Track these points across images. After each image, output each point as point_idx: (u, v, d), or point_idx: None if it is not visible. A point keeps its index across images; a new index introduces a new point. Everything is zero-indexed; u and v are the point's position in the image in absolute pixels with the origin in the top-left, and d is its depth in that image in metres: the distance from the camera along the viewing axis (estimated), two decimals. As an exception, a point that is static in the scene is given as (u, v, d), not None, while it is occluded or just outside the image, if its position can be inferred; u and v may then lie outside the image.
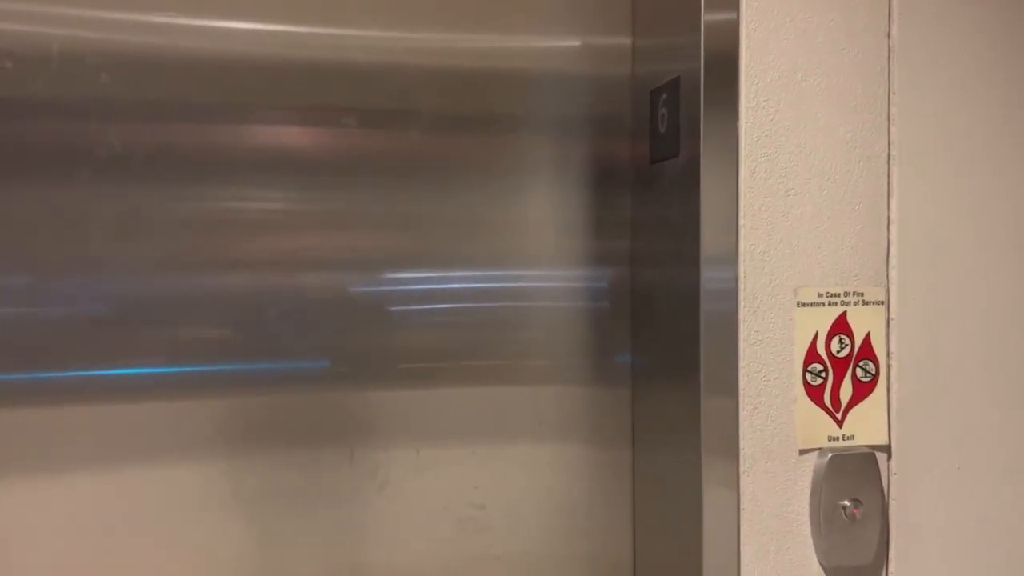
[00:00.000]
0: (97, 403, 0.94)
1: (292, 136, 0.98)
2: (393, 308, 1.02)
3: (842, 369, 0.90)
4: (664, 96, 0.94)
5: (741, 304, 0.88)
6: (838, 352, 0.90)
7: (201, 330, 0.97)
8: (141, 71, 0.93)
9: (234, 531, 0.98)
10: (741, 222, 0.88)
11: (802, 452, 0.90)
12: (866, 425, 0.91)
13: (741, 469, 0.88)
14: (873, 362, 0.91)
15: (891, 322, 0.92)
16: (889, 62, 0.91)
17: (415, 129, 1.01)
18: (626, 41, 1.05)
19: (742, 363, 0.88)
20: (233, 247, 0.97)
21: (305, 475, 0.99)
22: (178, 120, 0.95)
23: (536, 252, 1.05)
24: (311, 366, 1.00)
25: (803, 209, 0.89)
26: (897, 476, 0.92)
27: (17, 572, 0.92)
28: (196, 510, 0.96)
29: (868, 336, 0.91)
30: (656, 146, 0.97)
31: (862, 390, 0.91)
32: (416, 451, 1.02)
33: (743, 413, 0.88)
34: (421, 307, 1.03)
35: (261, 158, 0.97)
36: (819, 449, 0.90)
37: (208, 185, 0.96)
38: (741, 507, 0.88)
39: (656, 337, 0.99)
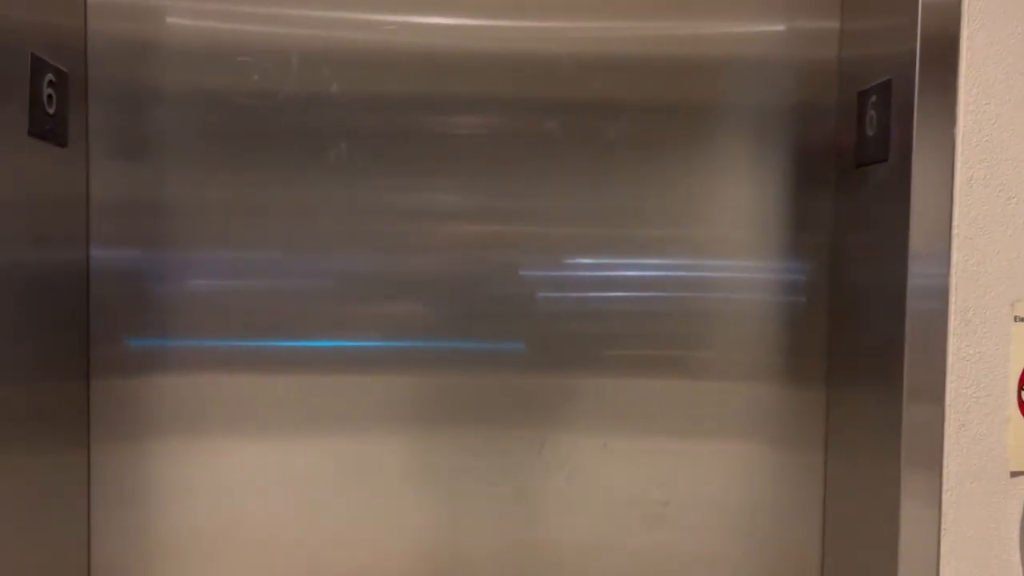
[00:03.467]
0: (314, 373, 1.02)
1: (494, 127, 1.02)
2: (589, 294, 1.04)
3: (1064, 390, 0.85)
4: (873, 98, 0.91)
5: (952, 317, 0.84)
6: (1060, 371, 0.85)
7: (409, 308, 1.03)
8: (358, 68, 1.00)
9: (424, 503, 1.04)
10: (955, 232, 0.84)
11: (1014, 475, 0.85)
12: (1089, 451, 0.85)
13: (944, 487, 0.85)
14: (1100, 384, 0.85)
15: (1123, 342, 0.85)
16: None
17: (613, 118, 1.03)
18: (834, 25, 1.01)
19: (950, 378, 0.84)
20: (441, 232, 1.03)
21: (496, 457, 1.04)
22: (393, 113, 1.01)
23: (732, 244, 1.04)
24: (508, 348, 1.04)
25: (1026, 219, 0.84)
26: (1124, 507, 0.85)
27: (231, 522, 1.02)
28: (392, 479, 1.03)
29: (1096, 356, 0.85)
30: (863, 148, 0.94)
31: (1086, 413, 0.85)
32: (603, 444, 1.05)
33: (949, 430, 0.85)
34: (615, 295, 1.04)
35: (467, 148, 1.02)
36: (1034, 473, 0.85)
37: (418, 174, 1.02)
38: (942, 528, 0.85)
39: (856, 348, 0.97)
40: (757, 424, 1.05)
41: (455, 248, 1.03)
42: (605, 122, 1.03)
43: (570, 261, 1.04)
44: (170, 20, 0.98)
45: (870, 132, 0.92)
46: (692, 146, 1.03)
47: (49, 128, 0.88)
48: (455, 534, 1.04)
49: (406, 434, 1.03)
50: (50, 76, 0.88)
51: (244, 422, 1.01)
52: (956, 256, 0.84)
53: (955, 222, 0.84)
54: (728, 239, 1.04)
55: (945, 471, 0.85)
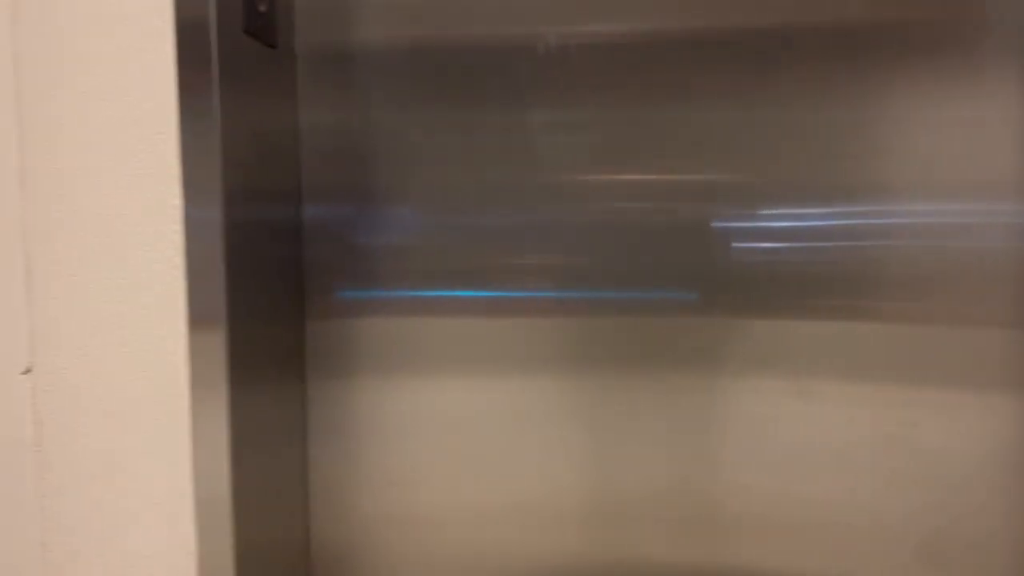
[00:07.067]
0: (492, 317, 1.01)
1: (686, 61, 0.95)
2: (777, 245, 0.97)
3: None
4: None
5: None
6: None
7: (581, 257, 0.99)
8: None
9: (600, 443, 1.01)
10: None
11: None
12: None
13: None
14: None
15: None
16: None
17: (840, 43, 0.93)
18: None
19: None
20: (610, 176, 0.98)
21: (670, 399, 1.00)
22: (586, 53, 0.96)
23: (975, 182, 0.93)
24: (681, 296, 0.99)
25: None
26: None
27: (425, 453, 1.03)
28: (562, 421, 1.01)
29: None
30: None
31: None
32: (797, 389, 0.98)
33: None
34: (824, 245, 0.96)
35: (648, 84, 0.96)
36: None
37: (594, 111, 0.96)
38: None
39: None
40: (1001, 372, 0.94)
41: (630, 193, 0.98)
42: (829, 47, 0.93)
43: (767, 211, 0.97)
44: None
45: None
46: (932, 72, 0.92)
47: (261, 26, 0.85)
48: (629, 475, 1.02)
49: (576, 377, 1.00)
50: (260, -30, 0.85)
51: (438, 363, 1.02)
52: None
53: None
54: (966, 178, 0.93)
55: None
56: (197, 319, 0.84)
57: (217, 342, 0.83)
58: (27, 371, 0.83)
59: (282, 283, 0.97)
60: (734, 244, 0.97)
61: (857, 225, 0.95)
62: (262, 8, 0.85)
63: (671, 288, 0.99)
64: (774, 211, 0.96)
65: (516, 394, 1.01)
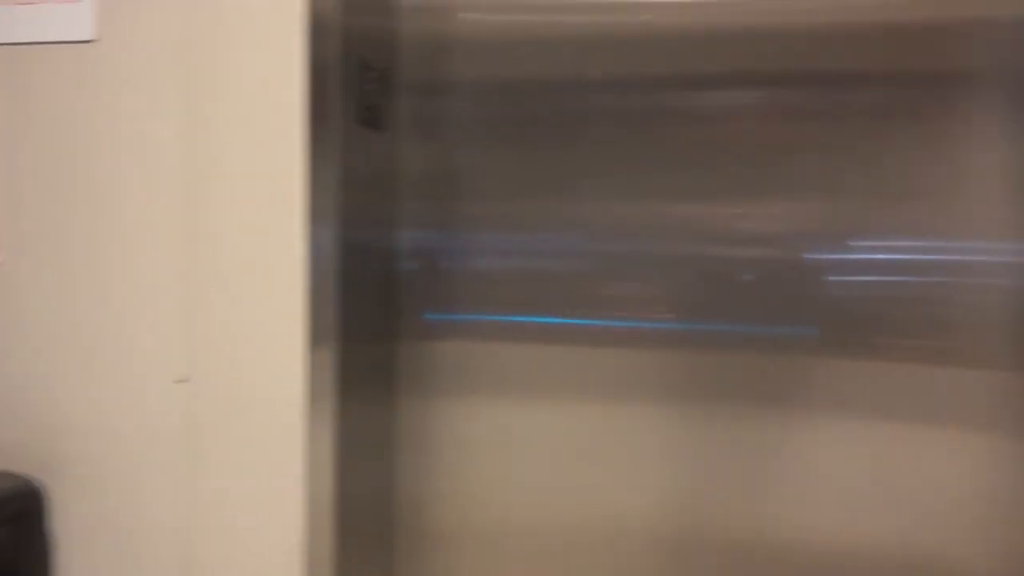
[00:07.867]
0: (570, 345, 1.11)
1: (752, 105, 1.03)
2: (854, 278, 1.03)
3: None
4: None
5: None
6: None
7: (653, 288, 1.09)
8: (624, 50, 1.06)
9: (676, 474, 1.09)
10: None
11: None
12: None
13: None
14: None
15: None
16: None
17: (868, 90, 0.99)
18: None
19: None
20: (716, 218, 1.06)
21: (759, 437, 1.06)
22: (652, 93, 1.06)
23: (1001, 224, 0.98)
24: (797, 332, 1.04)
25: None
26: None
27: (500, 472, 1.14)
28: (633, 450, 1.09)
29: None
30: None
31: None
32: (855, 432, 1.03)
33: None
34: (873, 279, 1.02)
35: (726, 126, 1.04)
36: None
37: (679, 154, 1.05)
38: None
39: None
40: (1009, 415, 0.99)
41: (734, 234, 1.04)
42: (859, 95, 0.99)
43: (851, 243, 1.02)
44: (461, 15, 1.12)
45: None
46: (947, 117, 0.98)
47: (370, 118, 1.07)
48: (705, 507, 1.08)
49: (667, 408, 1.08)
50: (372, 74, 1.07)
51: (515, 387, 1.12)
52: None
53: None
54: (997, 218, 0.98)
55: None
56: (314, 338, 0.96)
57: (329, 359, 0.97)
58: (182, 380, 1.05)
59: (377, 305, 1.09)
60: (830, 278, 1.02)
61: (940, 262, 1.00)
62: (372, 102, 1.07)
63: (750, 323, 1.05)
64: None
65: (590, 421, 1.10)
